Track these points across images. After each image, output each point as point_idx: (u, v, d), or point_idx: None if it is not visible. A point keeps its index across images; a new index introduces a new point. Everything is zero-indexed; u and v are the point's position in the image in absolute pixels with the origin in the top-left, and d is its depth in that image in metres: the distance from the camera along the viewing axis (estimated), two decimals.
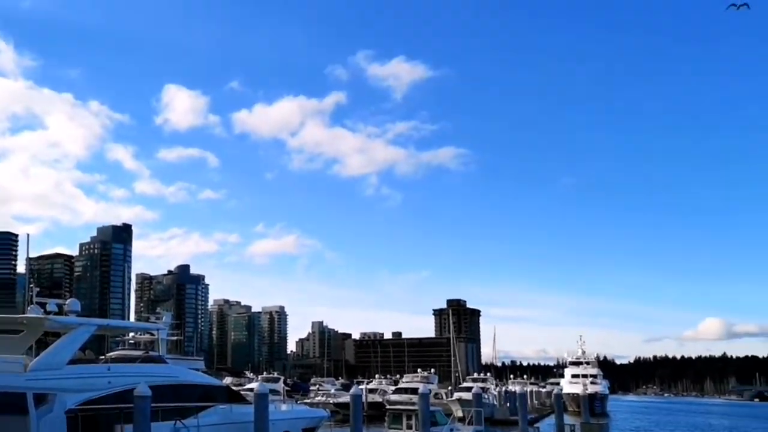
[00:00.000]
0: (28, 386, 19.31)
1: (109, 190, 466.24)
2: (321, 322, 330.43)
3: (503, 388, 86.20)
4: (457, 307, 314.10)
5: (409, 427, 36.03)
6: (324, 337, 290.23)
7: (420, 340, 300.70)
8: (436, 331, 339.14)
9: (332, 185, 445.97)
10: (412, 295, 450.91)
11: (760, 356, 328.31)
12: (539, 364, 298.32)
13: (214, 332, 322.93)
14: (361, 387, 34.81)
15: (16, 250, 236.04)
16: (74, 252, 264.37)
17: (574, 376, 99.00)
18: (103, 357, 22.90)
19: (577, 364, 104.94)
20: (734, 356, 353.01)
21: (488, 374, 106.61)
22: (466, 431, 32.72)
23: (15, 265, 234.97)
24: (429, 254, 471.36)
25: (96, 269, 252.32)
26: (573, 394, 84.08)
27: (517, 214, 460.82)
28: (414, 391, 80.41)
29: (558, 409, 43.98)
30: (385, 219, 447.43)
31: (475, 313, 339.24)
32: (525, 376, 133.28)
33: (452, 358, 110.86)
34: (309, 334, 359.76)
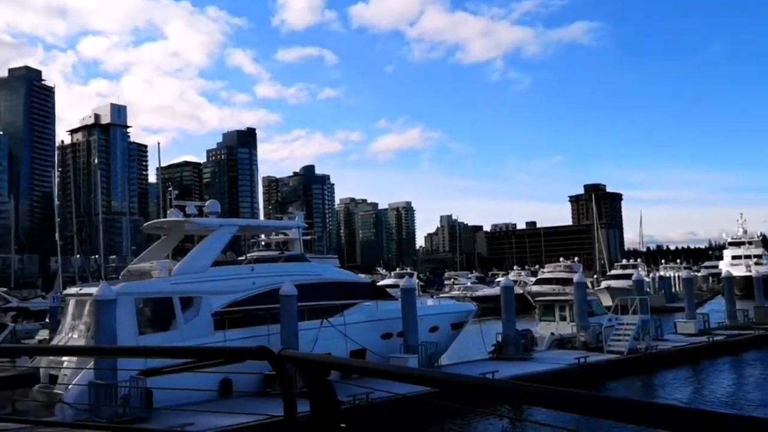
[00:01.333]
0: (173, 290, 18.88)
1: (231, 96, 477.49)
2: (450, 216, 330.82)
3: (656, 274, 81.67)
4: (596, 191, 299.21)
5: (563, 318, 33.83)
6: (453, 230, 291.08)
7: (556, 228, 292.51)
8: (573, 218, 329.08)
9: (455, 74, 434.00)
10: (545, 182, 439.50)
11: None
12: (688, 248, 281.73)
13: (341, 231, 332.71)
14: (505, 278, 32.35)
15: (146, 161, 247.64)
16: (201, 159, 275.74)
17: (735, 257, 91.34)
18: (243, 258, 22.24)
19: (737, 244, 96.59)
20: None
21: (638, 260, 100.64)
22: (629, 320, 29.96)
23: (146, 176, 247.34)
24: (560, 139, 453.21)
25: (224, 175, 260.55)
26: (737, 277, 77.40)
27: (657, 89, 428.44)
28: (557, 281, 78.18)
29: (728, 293, 39.90)
30: (513, 104, 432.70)
31: (616, 198, 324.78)
32: (679, 260, 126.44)
33: (596, 245, 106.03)
34: (437, 228, 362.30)
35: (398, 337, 23.54)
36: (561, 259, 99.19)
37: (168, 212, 21.96)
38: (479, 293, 71.53)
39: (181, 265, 19.68)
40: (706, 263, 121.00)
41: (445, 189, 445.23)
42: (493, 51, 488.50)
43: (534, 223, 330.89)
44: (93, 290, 18.81)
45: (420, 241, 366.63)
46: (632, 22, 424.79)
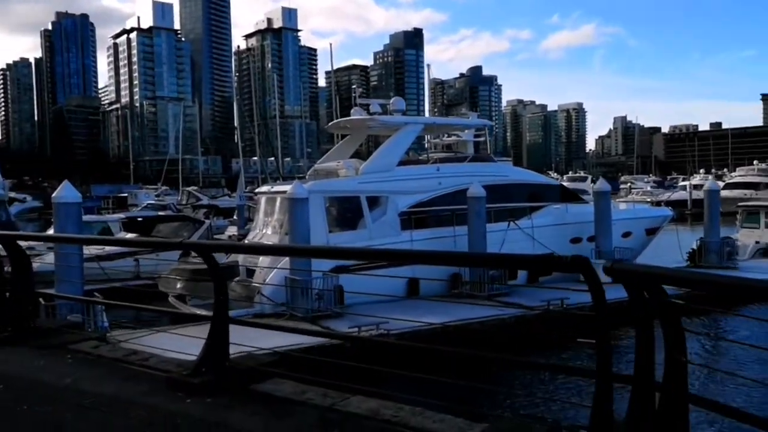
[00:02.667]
0: (361, 189, 18.69)
1: None
2: (624, 117, 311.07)
3: None
4: None
5: None
6: (628, 132, 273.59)
7: (745, 129, 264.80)
8: (764, 119, 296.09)
9: None
10: (733, 79, 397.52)
11: None
12: None
13: (508, 134, 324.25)
14: (711, 181, 29.21)
15: (315, 65, 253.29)
16: (368, 62, 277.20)
17: None
18: (427, 158, 21.56)
19: None
20: None
21: None
22: None
23: (316, 79, 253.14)
24: (752, 29, 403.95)
25: (390, 77, 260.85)
26: None
27: None
28: (747, 185, 71.01)
29: None
30: None
31: None
32: None
33: None
34: (610, 130, 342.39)
35: (588, 242, 22.01)
36: (755, 161, 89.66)
37: (351, 111, 21.61)
38: (660, 198, 67.02)
39: (368, 164, 19.39)
40: None
41: (620, 89, 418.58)
42: None
43: (719, 124, 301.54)
44: (284, 189, 19.11)
45: (590, 145, 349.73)
46: None
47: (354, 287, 16.93)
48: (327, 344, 13.36)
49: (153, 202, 55.65)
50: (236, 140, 55.64)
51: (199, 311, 16.38)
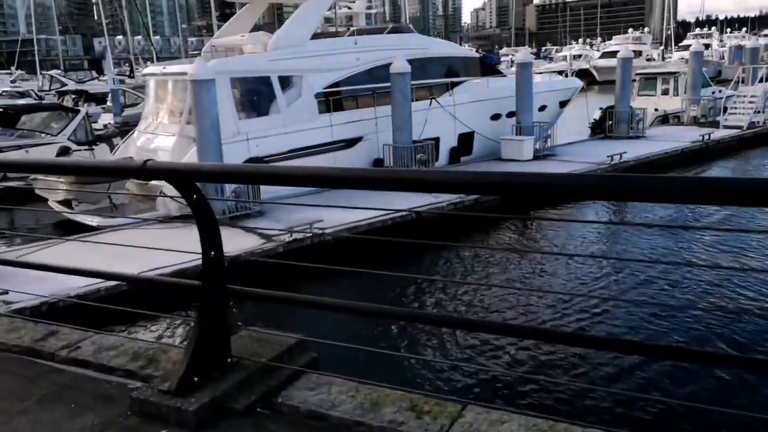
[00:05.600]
0: (272, 68, 16.39)
1: None
2: None
3: (732, 44, 75.39)
4: None
5: (665, 92, 30.91)
6: (501, 4, 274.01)
7: (610, 0, 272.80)
8: None
9: None
10: None
11: None
12: (739, 17, 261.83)
13: (386, 8, 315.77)
14: (624, 48, 28.94)
15: None
16: None
17: None
18: (343, 30, 19.26)
19: None
20: None
21: (713, 29, 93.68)
22: (752, 91, 26.94)
23: None
24: None
25: None
26: None
27: None
28: None
29: None
30: None
31: None
32: (746, 29, 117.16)
33: (663, 14, 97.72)
34: (484, 3, 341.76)
35: (507, 118, 21.16)
36: (630, 30, 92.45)
37: None
38: (541, 69, 67.71)
39: (277, 37, 16.91)
40: (766, 32, 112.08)
41: None
42: None
43: None
44: (179, 69, 16.47)
45: (466, 18, 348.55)
46: None
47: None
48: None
49: (8, 89, 48.98)
50: (96, 17, 49.32)
51: (92, 219, 14.13)
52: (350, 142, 17.60)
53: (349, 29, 18.87)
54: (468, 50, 22.21)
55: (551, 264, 12.63)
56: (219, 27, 32.58)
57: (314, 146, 16.71)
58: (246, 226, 13.31)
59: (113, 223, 13.64)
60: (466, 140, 20.33)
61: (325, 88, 17.17)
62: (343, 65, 17.34)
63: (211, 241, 2.86)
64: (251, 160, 15.58)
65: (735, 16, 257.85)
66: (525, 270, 12.57)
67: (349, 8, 22.30)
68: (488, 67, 22.45)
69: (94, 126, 27.67)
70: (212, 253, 2.86)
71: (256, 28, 20.06)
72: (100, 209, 14.65)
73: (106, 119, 33.92)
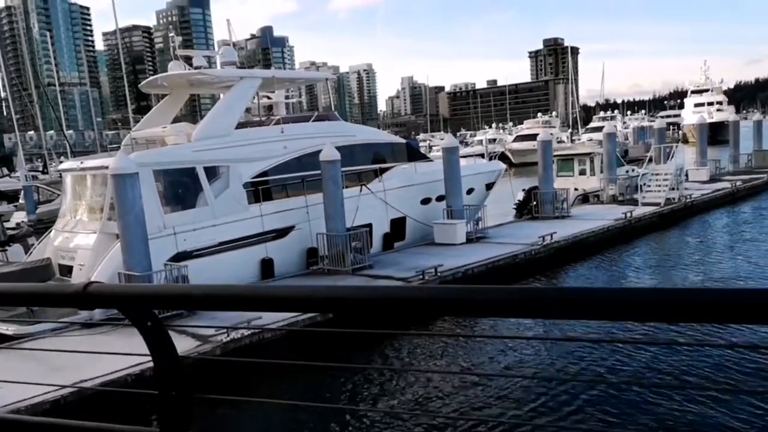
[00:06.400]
0: (197, 159, 15.80)
1: None
2: (411, 77, 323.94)
3: (636, 125, 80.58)
4: (554, 46, 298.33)
5: (582, 172, 32.16)
6: (415, 92, 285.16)
7: (516, 86, 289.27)
8: (532, 74, 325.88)
9: None
10: (501, 39, 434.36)
11: None
12: (634, 100, 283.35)
13: (303, 98, 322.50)
14: (543, 132, 29.91)
15: (90, 25, 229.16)
16: (151, 22, 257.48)
17: (697, 105, 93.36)
18: (265, 118, 18.98)
19: (700, 92, 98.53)
20: None
21: (615, 111, 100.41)
22: (666, 169, 28.28)
23: (92, 42, 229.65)
24: None
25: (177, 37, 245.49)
26: (694, 124, 79.06)
27: None
28: (536, 137, 76.81)
29: (701, 140, 38.66)
30: None
31: (574, 52, 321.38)
32: (644, 111, 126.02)
33: (570, 98, 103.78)
34: (398, 91, 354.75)
35: (437, 202, 21.21)
36: (539, 114, 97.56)
37: (169, 65, 18.31)
38: (467, 151, 69.81)
39: (201, 128, 16.38)
40: (662, 113, 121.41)
41: (404, 51, 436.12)
42: None
43: (495, 81, 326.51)
44: (98, 163, 15.64)
45: (381, 105, 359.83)
46: None
47: (202, 275, 14.35)
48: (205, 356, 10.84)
49: None
50: (5, 113, 47.63)
51: (6, 328, 12.77)
52: (282, 232, 17.04)
53: (268, 117, 18.68)
54: (394, 136, 22.41)
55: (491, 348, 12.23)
56: (136, 120, 31.83)
57: (245, 237, 16.06)
58: (178, 326, 12.34)
59: (32, 331, 12.36)
60: (398, 225, 20.14)
61: (254, 178, 16.68)
62: (271, 154, 16.98)
63: (168, 375, 2.27)
64: (179, 255, 14.75)
65: (631, 99, 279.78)
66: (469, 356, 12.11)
67: (269, 98, 22.23)
68: (415, 152, 22.66)
69: (6, 225, 26.00)
70: (172, 392, 2.27)
71: (174, 119, 19.58)
72: (16, 315, 13.31)
73: (19, 217, 32.02)
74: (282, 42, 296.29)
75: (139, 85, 19.40)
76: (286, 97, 23.72)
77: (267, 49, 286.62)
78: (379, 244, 19.48)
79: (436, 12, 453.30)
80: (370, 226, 18.61)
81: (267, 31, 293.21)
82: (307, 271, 17.02)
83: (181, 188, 16.02)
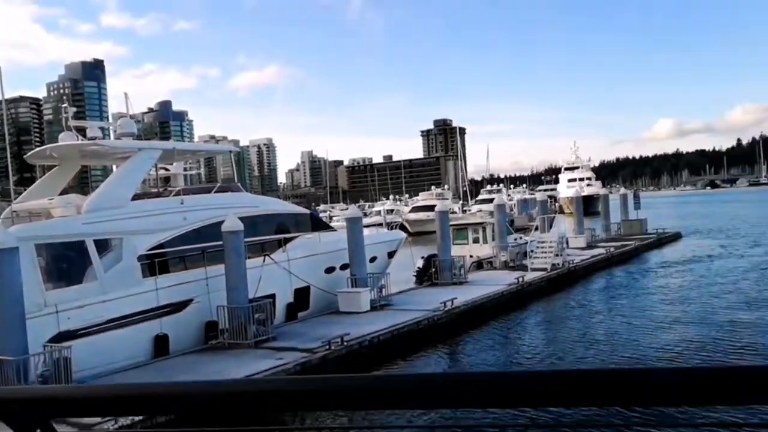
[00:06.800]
0: (86, 231, 15.00)
1: (72, 25, 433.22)
2: (311, 152, 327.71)
3: (520, 197, 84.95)
4: (444, 126, 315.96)
5: (476, 240, 33.24)
6: (315, 165, 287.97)
7: (410, 161, 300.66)
8: (424, 151, 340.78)
9: (315, 10, 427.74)
10: (396, 118, 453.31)
11: (707, 149, 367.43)
12: (515, 175, 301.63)
13: (202, 170, 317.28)
14: (441, 203, 30.70)
15: None
16: (41, 94, 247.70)
17: (570, 180, 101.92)
18: (164, 189, 18.43)
19: (572, 169, 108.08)
20: (685, 152, 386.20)
21: (501, 185, 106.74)
22: (551, 238, 29.71)
23: None
24: (410, 77, 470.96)
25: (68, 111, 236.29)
26: (569, 197, 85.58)
27: (496, 32, 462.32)
28: (430, 208, 79.12)
29: (577, 212, 42.15)
30: (368, 43, 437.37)
31: (462, 132, 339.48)
32: (525, 185, 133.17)
33: (460, 173, 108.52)
34: (298, 164, 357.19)
35: (341, 270, 21.14)
36: (433, 187, 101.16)
37: (60, 136, 17.53)
38: (367, 221, 70.69)
39: (93, 199, 15.62)
40: (540, 187, 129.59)
41: (304, 126, 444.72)
42: None
43: (390, 157, 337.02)
44: None
45: (281, 178, 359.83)
46: None
47: (87, 356, 13.39)
48: None
49: None
50: None
51: None
52: (179, 306, 16.29)
53: (166, 188, 18.19)
54: (297, 207, 22.33)
55: None
56: (18, 192, 30.02)
57: (138, 313, 15.20)
58: None
59: None
60: (302, 295, 19.83)
61: (150, 250, 15.99)
62: (169, 225, 16.41)
63: None
64: (61, 335, 13.69)
65: (513, 174, 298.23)
66: None
67: (167, 169, 21.74)
68: (318, 222, 22.64)
69: None
70: None
71: (63, 191, 18.63)
72: None
73: None
74: (181, 116, 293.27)
75: (25, 156, 18.45)
76: (185, 169, 23.29)
77: (166, 122, 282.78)
78: (283, 315, 19.04)
79: (334, 91, 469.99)
80: (273, 296, 18.19)
81: (166, 105, 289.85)
82: (206, 345, 16.29)
83: (67, 263, 15.10)
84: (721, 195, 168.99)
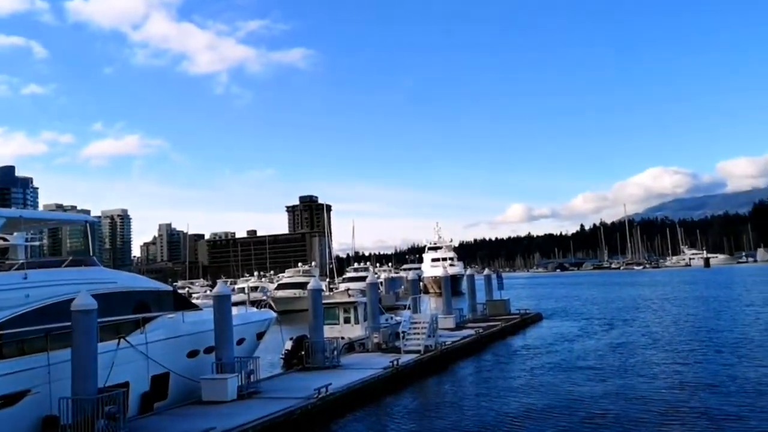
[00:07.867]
0: None
1: None
2: (169, 224, 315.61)
3: (389, 275, 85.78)
4: (310, 203, 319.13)
5: (347, 320, 32.37)
6: (173, 239, 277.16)
7: (276, 237, 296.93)
8: (289, 227, 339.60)
9: (180, 82, 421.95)
10: (261, 193, 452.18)
11: (555, 233, 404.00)
12: (380, 254, 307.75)
13: (45, 241, 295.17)
14: (314, 280, 29.59)
15: None
16: None
17: (434, 260, 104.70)
18: (4, 263, 16.13)
19: (435, 249, 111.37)
20: (536, 235, 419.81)
21: (368, 263, 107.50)
22: (423, 318, 29.53)
23: None
24: (275, 153, 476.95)
25: None
26: (434, 276, 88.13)
27: (361, 114, 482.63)
28: (297, 285, 77.65)
29: (446, 291, 42.92)
30: (233, 118, 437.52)
31: (328, 209, 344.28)
32: (390, 263, 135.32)
33: (326, 250, 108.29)
34: (155, 237, 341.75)
35: (205, 354, 19.48)
36: (299, 263, 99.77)
37: None
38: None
39: None
40: (405, 266, 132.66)
41: (164, 198, 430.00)
42: (218, 65, 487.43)
43: (255, 232, 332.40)
44: None
45: (136, 251, 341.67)
46: (343, 53, 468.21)
47: None
48: None
49: None
50: None
51: None
52: (11, 399, 13.93)
53: (4, 262, 15.94)
54: (160, 283, 20.49)
55: None
56: None
57: None
58: None
59: None
60: (160, 383, 17.89)
61: None
62: (7, 304, 14.24)
63: None
64: None
65: (378, 252, 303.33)
66: None
67: (5, 239, 19.25)
68: (182, 300, 20.89)
69: None
70: None
71: None
72: None
73: None
74: (25, 182, 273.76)
75: None
76: (27, 240, 20.82)
77: (6, 188, 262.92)
78: (136, 406, 16.98)
79: (197, 164, 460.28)
80: (126, 385, 16.20)
81: (8, 170, 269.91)
82: None
83: None
84: (569, 277, 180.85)
